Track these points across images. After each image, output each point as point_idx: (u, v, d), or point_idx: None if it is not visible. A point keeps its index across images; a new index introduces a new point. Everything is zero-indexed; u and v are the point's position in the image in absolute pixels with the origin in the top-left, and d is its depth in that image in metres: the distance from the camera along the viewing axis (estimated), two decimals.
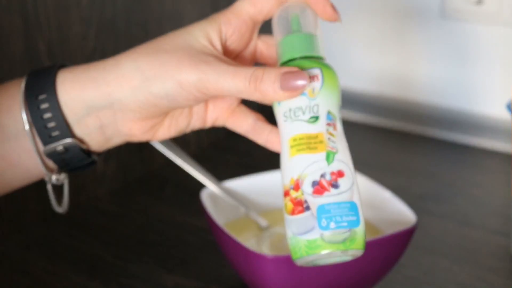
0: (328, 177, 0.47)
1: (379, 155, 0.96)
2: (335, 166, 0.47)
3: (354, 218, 0.47)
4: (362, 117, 1.07)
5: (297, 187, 0.47)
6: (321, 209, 0.46)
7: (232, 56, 0.55)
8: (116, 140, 0.55)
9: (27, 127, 0.52)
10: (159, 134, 0.55)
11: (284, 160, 0.49)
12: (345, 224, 0.46)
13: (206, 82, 0.50)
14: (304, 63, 0.49)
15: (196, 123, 0.57)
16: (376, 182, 0.70)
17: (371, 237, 0.60)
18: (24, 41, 0.75)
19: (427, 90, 1.03)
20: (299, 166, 0.47)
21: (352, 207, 0.47)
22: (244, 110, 0.57)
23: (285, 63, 0.50)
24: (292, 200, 0.47)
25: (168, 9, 0.89)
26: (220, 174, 0.68)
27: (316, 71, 0.48)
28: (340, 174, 0.47)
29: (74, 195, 0.82)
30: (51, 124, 0.52)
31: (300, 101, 0.48)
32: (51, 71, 0.53)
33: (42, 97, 0.52)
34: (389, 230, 0.63)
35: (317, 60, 0.50)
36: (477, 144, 0.98)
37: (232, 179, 0.70)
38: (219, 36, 0.53)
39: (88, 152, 0.54)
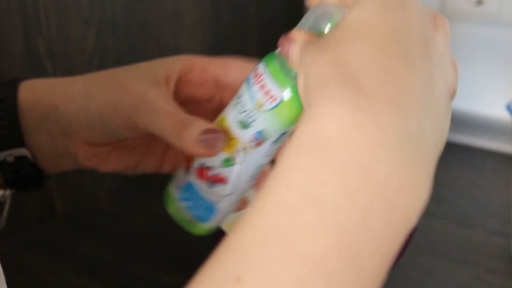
0: (210, 173, 0.48)
1: None
2: (222, 172, 0.48)
3: (203, 215, 0.50)
4: None
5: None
6: (189, 186, 0.50)
7: (194, 104, 0.54)
8: (67, 160, 0.54)
9: None
10: (103, 165, 0.54)
11: None
12: (192, 214, 0.50)
13: (138, 113, 0.49)
14: (282, 78, 0.44)
15: (148, 165, 0.55)
16: None
17: None
18: (24, 41, 0.75)
19: None
20: None
21: (209, 208, 0.50)
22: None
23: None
24: (186, 159, 0.50)
25: (168, 9, 0.89)
26: None
27: (280, 93, 0.45)
28: (220, 180, 0.48)
29: (74, 195, 0.82)
30: (4, 132, 0.51)
31: (246, 104, 0.46)
32: (14, 81, 0.53)
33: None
34: None
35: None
36: (477, 145, 0.98)
37: None
38: (176, 77, 0.52)
39: (38, 169, 0.53)
